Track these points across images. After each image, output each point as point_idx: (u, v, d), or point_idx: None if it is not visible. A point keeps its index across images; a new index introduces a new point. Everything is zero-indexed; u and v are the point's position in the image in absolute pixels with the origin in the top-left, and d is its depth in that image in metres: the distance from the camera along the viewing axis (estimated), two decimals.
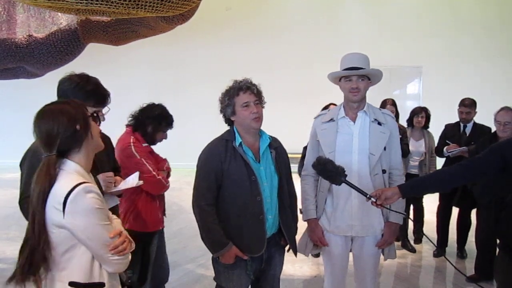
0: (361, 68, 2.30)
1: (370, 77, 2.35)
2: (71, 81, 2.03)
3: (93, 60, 8.58)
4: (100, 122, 1.65)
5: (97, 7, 2.84)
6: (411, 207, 4.79)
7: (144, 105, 2.83)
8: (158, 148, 2.96)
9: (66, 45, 4.41)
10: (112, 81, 11.22)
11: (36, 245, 1.38)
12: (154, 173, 2.64)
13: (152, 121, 2.73)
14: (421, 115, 4.65)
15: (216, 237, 2.14)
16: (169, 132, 2.89)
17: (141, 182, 2.20)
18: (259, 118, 2.17)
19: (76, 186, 1.39)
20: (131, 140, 2.68)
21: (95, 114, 1.61)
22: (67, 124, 1.45)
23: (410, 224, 4.93)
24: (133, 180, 2.13)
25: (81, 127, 1.48)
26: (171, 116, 2.82)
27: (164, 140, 2.94)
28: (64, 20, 4.63)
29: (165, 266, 2.95)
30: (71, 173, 1.45)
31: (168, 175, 2.88)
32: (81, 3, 2.79)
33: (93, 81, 2.08)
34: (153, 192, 2.70)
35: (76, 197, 1.38)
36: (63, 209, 1.37)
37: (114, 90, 9.54)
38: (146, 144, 2.77)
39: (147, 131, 2.75)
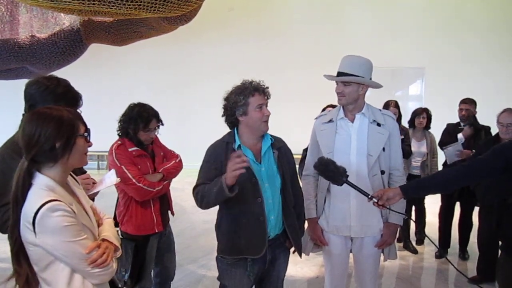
0: (346, 75, 2.31)
1: (360, 82, 2.34)
2: (40, 84, 1.90)
3: (95, 61, 8.63)
4: (90, 139, 1.54)
5: (100, 8, 2.85)
6: (413, 208, 4.79)
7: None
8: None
9: (68, 46, 4.43)
10: (114, 81, 11.27)
11: (17, 267, 1.39)
12: (134, 180, 2.59)
13: (130, 123, 2.67)
14: (422, 116, 4.66)
15: (211, 189, 2.04)
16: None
17: (118, 179, 2.11)
18: (267, 121, 2.19)
19: (42, 205, 1.34)
20: (114, 147, 2.68)
21: (86, 134, 1.51)
22: (47, 137, 1.39)
23: (412, 225, 4.92)
24: (109, 179, 2.03)
25: (60, 146, 1.42)
26: (148, 114, 2.68)
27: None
28: (66, 20, 4.65)
29: (170, 265, 2.96)
30: (40, 189, 1.40)
31: (165, 177, 2.79)
32: (83, 3, 2.80)
33: (63, 83, 1.94)
34: (138, 198, 2.67)
35: (42, 218, 1.34)
36: (33, 229, 1.34)
37: (116, 90, 9.64)
38: (134, 148, 2.70)
39: (130, 133, 2.69)
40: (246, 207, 2.15)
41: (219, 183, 1.99)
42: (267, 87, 2.21)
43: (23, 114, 1.94)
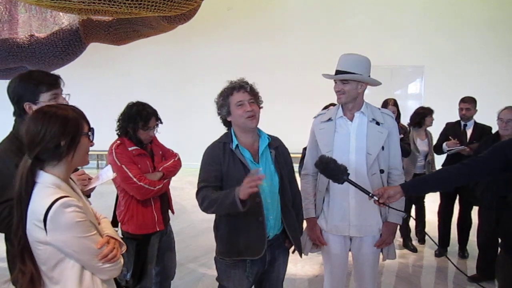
0: (344, 73, 2.31)
1: (359, 80, 2.34)
2: (15, 79, 1.95)
3: (94, 60, 8.63)
4: (93, 139, 1.56)
5: (100, 7, 2.84)
6: (413, 206, 4.80)
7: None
8: None
9: (67, 45, 4.41)
10: (113, 80, 11.25)
11: (22, 265, 1.39)
12: (135, 179, 2.59)
13: (129, 122, 2.67)
14: (432, 114, 4.70)
15: (224, 201, 2.00)
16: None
17: (114, 174, 2.10)
18: (254, 117, 2.14)
19: (54, 202, 1.34)
20: (113, 147, 2.68)
21: (89, 133, 1.52)
22: (52, 136, 1.39)
23: (412, 225, 4.92)
24: (106, 174, 2.02)
25: (65, 144, 1.42)
26: (147, 112, 2.67)
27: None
28: (65, 19, 4.64)
29: (170, 264, 2.96)
30: (47, 187, 1.40)
31: (165, 175, 2.79)
32: (83, 2, 2.80)
33: (37, 70, 2.00)
34: (139, 197, 2.67)
35: (55, 214, 1.34)
36: (44, 227, 1.34)
37: (116, 90, 9.61)
38: (133, 147, 2.70)
39: (130, 132, 2.69)
40: None
41: (231, 197, 1.95)
42: (248, 84, 2.19)
43: (15, 120, 1.95)
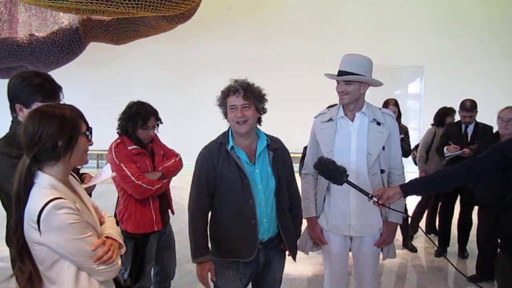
0: (348, 73, 2.30)
1: (363, 81, 2.34)
2: (18, 77, 1.89)
3: (94, 59, 8.62)
4: (92, 138, 1.55)
5: (97, 7, 2.84)
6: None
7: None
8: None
9: (67, 44, 4.41)
10: (113, 80, 11.22)
11: (21, 264, 1.39)
12: (133, 178, 2.59)
13: (129, 121, 2.68)
14: (454, 113, 4.74)
15: (198, 243, 2.17)
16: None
17: (114, 173, 2.12)
18: (244, 123, 2.10)
19: (47, 203, 1.34)
20: (113, 145, 2.69)
21: (87, 132, 1.50)
22: (49, 136, 1.38)
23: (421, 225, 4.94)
24: (105, 173, 2.02)
25: (62, 144, 1.41)
26: (147, 112, 2.68)
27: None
28: (65, 19, 4.63)
29: (170, 264, 2.96)
30: (43, 188, 1.39)
31: (165, 175, 2.79)
32: (81, 2, 2.79)
33: (42, 75, 1.92)
34: (136, 196, 2.67)
35: (47, 215, 1.33)
36: (38, 228, 1.34)
37: (116, 89, 9.59)
38: (133, 146, 2.70)
39: (129, 132, 2.70)
40: (237, 210, 2.13)
41: (194, 250, 2.16)
42: (245, 88, 2.11)
43: (12, 120, 1.94)
